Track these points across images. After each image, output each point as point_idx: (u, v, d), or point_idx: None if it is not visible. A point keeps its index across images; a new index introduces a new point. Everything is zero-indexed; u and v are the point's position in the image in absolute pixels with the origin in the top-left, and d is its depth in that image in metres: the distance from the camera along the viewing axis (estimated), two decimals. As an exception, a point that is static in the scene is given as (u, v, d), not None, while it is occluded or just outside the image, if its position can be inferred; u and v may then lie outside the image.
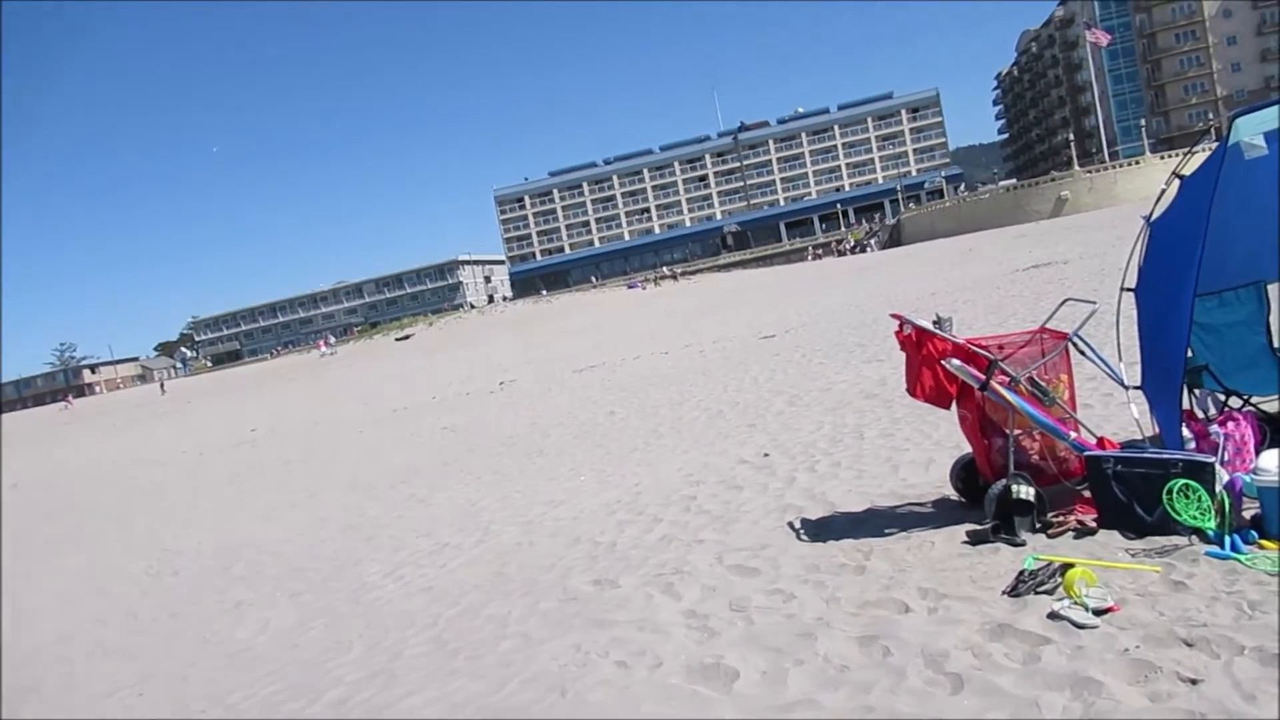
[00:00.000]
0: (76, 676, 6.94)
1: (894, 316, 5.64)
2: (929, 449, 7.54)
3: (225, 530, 11.28)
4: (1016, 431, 5.24)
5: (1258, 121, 4.81)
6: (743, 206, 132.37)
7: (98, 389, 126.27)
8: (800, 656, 4.07)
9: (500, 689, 4.48)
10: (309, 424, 24.08)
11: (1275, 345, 6.19)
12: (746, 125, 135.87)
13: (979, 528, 5.07)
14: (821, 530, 5.91)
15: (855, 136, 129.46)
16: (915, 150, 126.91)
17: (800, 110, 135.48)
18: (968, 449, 5.73)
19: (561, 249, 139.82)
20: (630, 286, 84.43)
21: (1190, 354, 5.44)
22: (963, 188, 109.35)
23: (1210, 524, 4.41)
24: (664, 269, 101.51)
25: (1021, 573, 4.39)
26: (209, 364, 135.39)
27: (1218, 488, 4.49)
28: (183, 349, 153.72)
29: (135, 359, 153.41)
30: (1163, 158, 72.16)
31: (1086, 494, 5.13)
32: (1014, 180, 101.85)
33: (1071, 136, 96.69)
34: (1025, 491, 4.98)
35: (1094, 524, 4.88)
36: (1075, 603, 3.93)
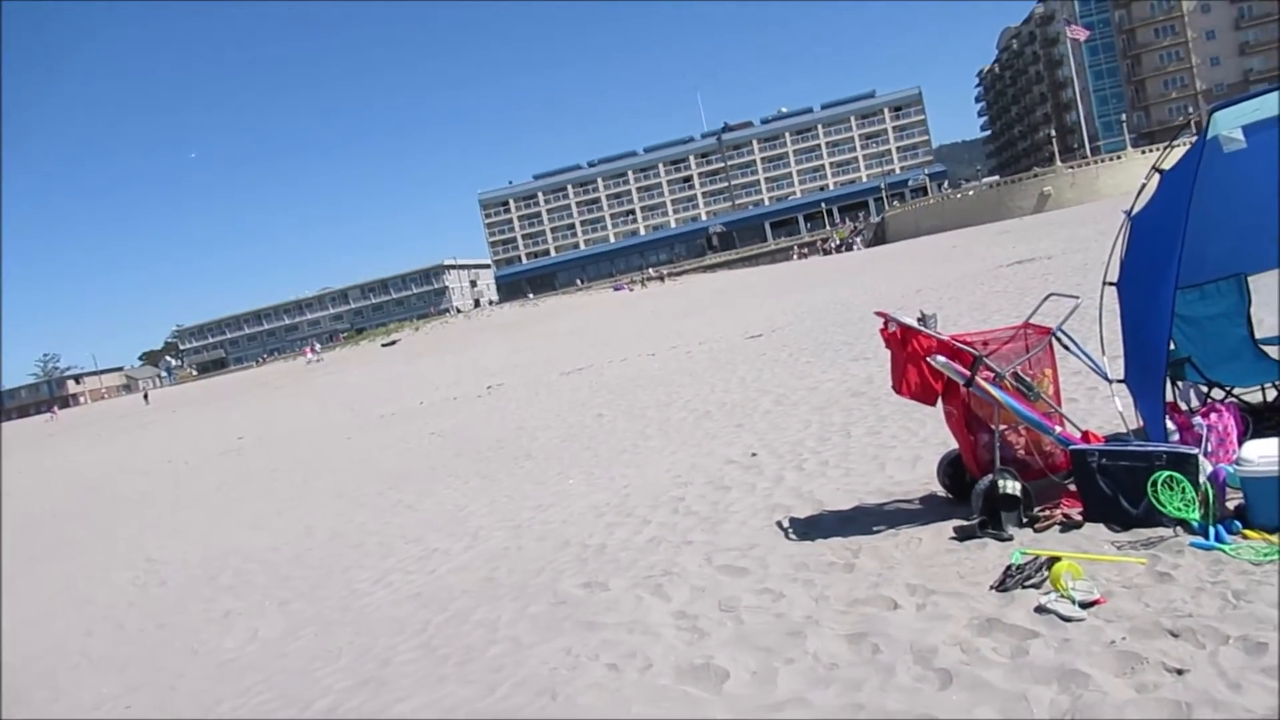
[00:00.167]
0: (63, 689, 6.89)
1: (879, 314, 5.65)
2: (916, 446, 7.56)
3: (212, 539, 11.22)
4: (1002, 427, 5.26)
5: (1236, 115, 4.85)
6: (727, 207, 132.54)
7: (82, 399, 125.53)
8: (790, 655, 4.08)
9: (490, 693, 4.47)
10: (296, 431, 23.99)
11: (1256, 337, 6.24)
12: (730, 125, 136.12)
13: (966, 523, 5.09)
14: (810, 529, 5.92)
15: (839, 135, 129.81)
16: (899, 148, 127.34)
17: (784, 110, 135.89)
18: (954, 445, 5.75)
19: (547, 252, 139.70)
20: (616, 288, 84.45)
21: (1172, 347, 5.48)
22: (946, 185, 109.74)
23: (1195, 515, 4.44)
24: (650, 270, 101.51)
25: (1009, 567, 4.40)
26: (194, 372, 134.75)
27: (1201, 479, 4.53)
28: (167, 358, 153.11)
29: (120, 369, 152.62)
30: (1144, 152, 72.62)
31: (1072, 488, 5.15)
32: (997, 177, 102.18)
33: (1053, 132, 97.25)
34: (1011, 486, 5.00)
35: (1080, 517, 4.91)
36: (1062, 596, 3.95)
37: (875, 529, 5.55)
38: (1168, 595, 3.87)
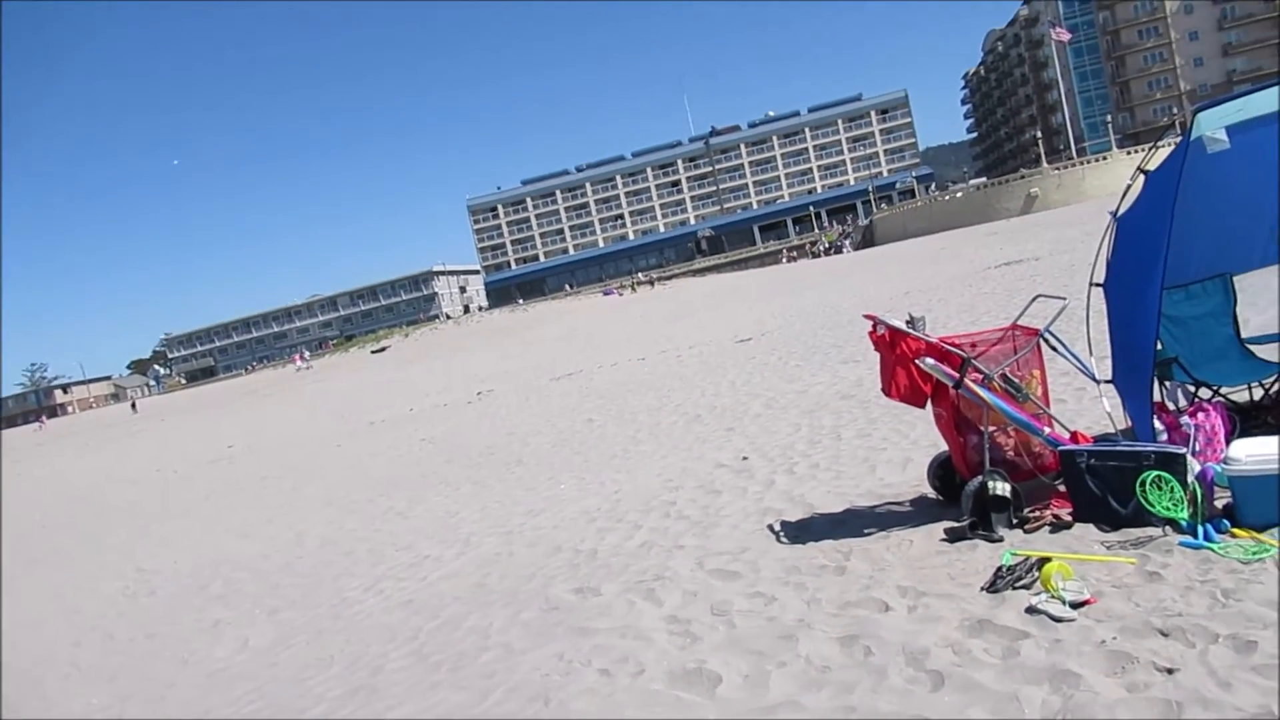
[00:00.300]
0: (52, 699, 6.85)
1: (867, 317, 5.66)
2: (906, 448, 7.58)
3: (202, 548, 11.16)
4: (991, 428, 5.28)
5: (1220, 116, 4.89)
6: (716, 211, 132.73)
7: (70, 409, 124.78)
8: (782, 659, 4.08)
9: (483, 700, 4.45)
10: (285, 439, 23.91)
11: (1242, 336, 6.27)
12: (718, 129, 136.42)
13: (957, 525, 5.10)
14: (801, 532, 5.92)
15: (826, 139, 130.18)
16: (886, 151, 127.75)
17: (771, 113, 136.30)
18: (944, 447, 5.76)
19: (536, 257, 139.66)
20: (606, 293, 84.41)
21: (1159, 347, 5.50)
22: (933, 187, 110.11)
23: (1183, 514, 4.46)
24: (639, 275, 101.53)
25: (999, 568, 4.42)
26: (183, 381, 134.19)
27: (1190, 478, 4.55)
28: (156, 367, 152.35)
29: (108, 378, 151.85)
30: (1129, 153, 72.99)
31: (1062, 488, 5.17)
32: (984, 179, 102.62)
33: (1039, 134, 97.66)
34: (1001, 487, 5.01)
35: (1069, 518, 4.92)
36: (1052, 596, 3.96)
37: (866, 531, 5.56)
38: (1157, 595, 3.89)
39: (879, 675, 3.73)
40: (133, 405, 77.20)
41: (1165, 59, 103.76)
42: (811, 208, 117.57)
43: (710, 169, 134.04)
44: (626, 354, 24.67)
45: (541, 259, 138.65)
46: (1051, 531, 4.87)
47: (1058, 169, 75.57)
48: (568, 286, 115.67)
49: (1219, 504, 4.58)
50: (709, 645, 4.42)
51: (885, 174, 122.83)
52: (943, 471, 5.78)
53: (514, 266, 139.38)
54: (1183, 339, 6.05)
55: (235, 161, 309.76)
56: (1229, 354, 6.17)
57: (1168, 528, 4.49)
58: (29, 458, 43.07)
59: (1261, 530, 4.22)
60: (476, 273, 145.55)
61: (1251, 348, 6.21)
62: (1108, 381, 5.72)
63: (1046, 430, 5.32)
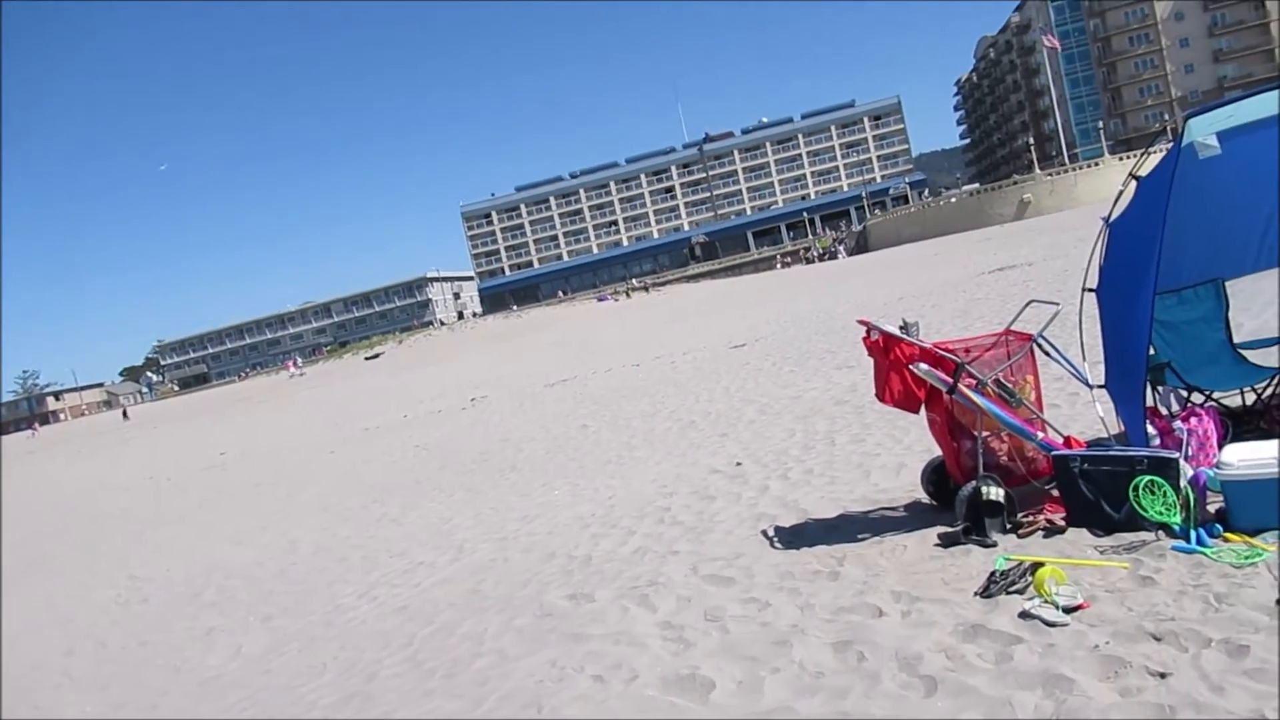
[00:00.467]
0: (44, 708, 6.82)
1: (861, 322, 5.67)
2: (900, 453, 7.59)
3: (195, 555, 11.12)
4: (985, 433, 5.28)
5: (1210, 121, 4.91)
6: (710, 217, 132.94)
7: (62, 416, 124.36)
8: (776, 664, 4.08)
9: (477, 707, 4.44)
10: (279, 446, 23.85)
11: (1234, 341, 6.30)
12: (711, 136, 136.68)
13: (950, 530, 5.11)
14: (795, 537, 5.92)
15: (819, 145, 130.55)
16: (879, 157, 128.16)
17: (764, 120, 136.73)
18: (938, 452, 5.77)
19: (530, 264, 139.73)
20: (600, 299, 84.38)
21: (1152, 351, 5.51)
22: (927, 193, 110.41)
23: (1176, 519, 4.47)
24: (633, 281, 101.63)
25: (993, 573, 4.42)
26: (175, 388, 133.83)
27: (1182, 483, 4.56)
28: (148, 373, 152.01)
29: (100, 385, 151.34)
30: (1121, 159, 73.27)
31: (1055, 493, 5.17)
32: (977, 184, 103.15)
33: (1031, 140, 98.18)
34: (995, 492, 5.02)
35: (1063, 522, 4.92)
36: (1046, 601, 3.97)
37: (860, 537, 5.56)
38: (1150, 599, 3.89)
39: (872, 681, 3.73)
40: (124, 413, 76.91)
41: (1156, 65, 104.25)
42: (805, 214, 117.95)
43: (704, 175, 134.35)
44: (621, 360, 24.66)
45: (536, 265, 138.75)
46: (1045, 536, 4.87)
47: (1050, 175, 75.86)
48: (561, 293, 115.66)
49: (1212, 508, 4.59)
50: (702, 651, 4.42)
51: (879, 180, 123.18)
52: (936, 477, 5.78)
53: (508, 273, 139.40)
54: (1175, 344, 6.07)
55: (229, 168, 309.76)
56: (1221, 359, 6.19)
57: (1161, 532, 4.50)
58: (21, 465, 42.90)
59: (1254, 534, 4.23)
60: (471, 279, 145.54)
61: (1244, 352, 6.23)
62: (1100, 386, 5.73)
63: (1040, 435, 5.33)
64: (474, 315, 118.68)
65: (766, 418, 11.00)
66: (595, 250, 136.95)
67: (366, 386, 42.19)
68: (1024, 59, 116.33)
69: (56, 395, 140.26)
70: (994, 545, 4.87)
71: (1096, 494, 4.78)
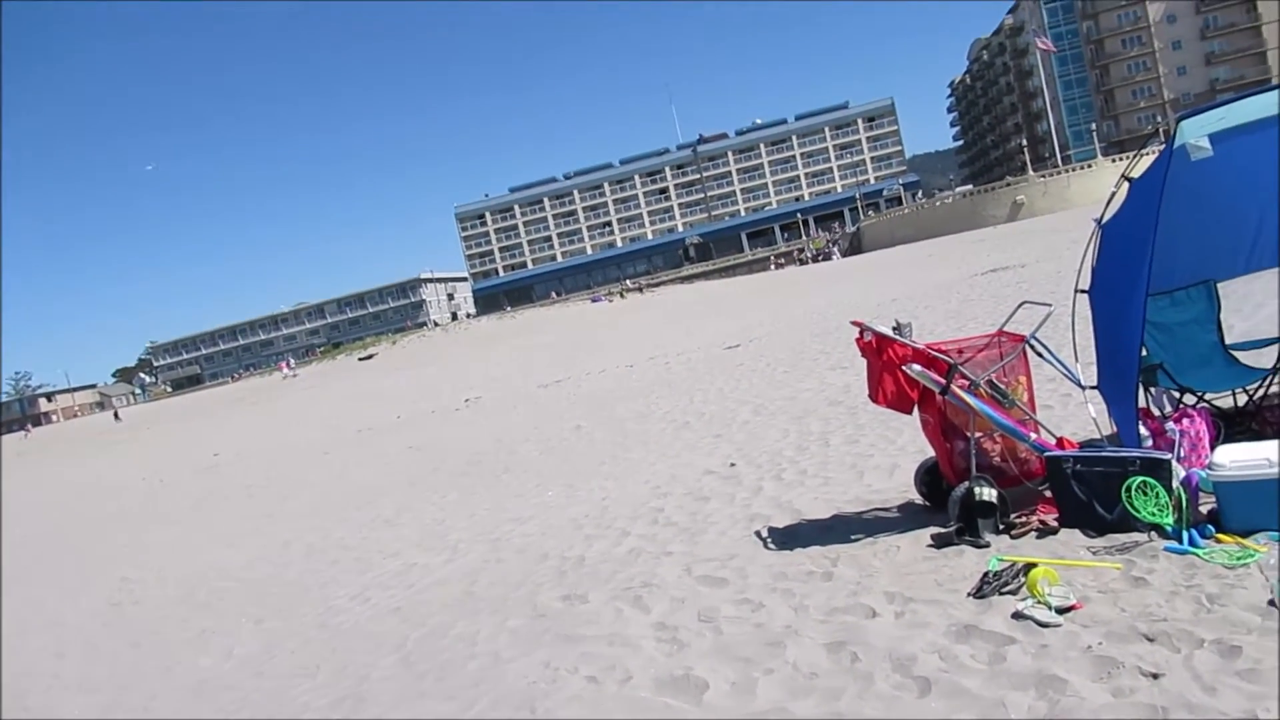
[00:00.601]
0: (35, 711, 6.79)
1: (854, 323, 5.68)
2: (893, 454, 7.60)
3: (188, 557, 11.09)
4: (978, 434, 5.29)
5: (1202, 124, 4.92)
6: (704, 218, 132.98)
7: (55, 417, 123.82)
8: (769, 665, 4.08)
9: (470, 708, 4.44)
10: (272, 448, 23.80)
11: (1226, 342, 6.31)
12: (705, 137, 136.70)
13: (943, 531, 5.11)
14: (789, 538, 5.92)
15: (813, 146, 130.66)
16: (873, 159, 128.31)
17: (758, 121, 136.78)
18: (931, 453, 5.78)
19: (524, 264, 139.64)
20: (594, 300, 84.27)
21: (1144, 353, 5.53)
22: (920, 195, 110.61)
23: (1168, 520, 4.48)
24: (628, 282, 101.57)
25: (986, 574, 4.43)
26: (168, 389, 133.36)
27: (1175, 484, 4.57)
28: (141, 375, 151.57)
29: (93, 386, 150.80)
30: (1114, 160, 73.46)
31: (1048, 494, 5.18)
32: (970, 186, 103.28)
33: (1025, 142, 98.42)
34: (988, 493, 5.03)
35: (1055, 523, 4.93)
36: (1039, 602, 3.97)
37: (853, 537, 5.56)
38: (1143, 600, 3.90)
39: (866, 681, 3.73)
40: (115, 415, 76.46)
41: (1149, 68, 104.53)
42: (799, 215, 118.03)
43: (698, 176, 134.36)
44: (615, 361, 24.66)
45: (529, 266, 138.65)
46: (1038, 537, 4.88)
47: (1043, 176, 76.02)
48: (555, 294, 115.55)
49: (1204, 509, 4.60)
50: (696, 652, 4.42)
51: (872, 181, 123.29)
52: (929, 477, 5.79)
53: (502, 274, 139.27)
54: (1167, 345, 6.09)
55: (221, 168, 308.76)
56: (1213, 360, 6.21)
57: (1153, 533, 4.50)
58: (13, 466, 42.74)
59: (1246, 535, 4.24)
60: (464, 280, 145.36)
61: (1235, 354, 6.25)
62: (1093, 387, 5.74)
63: (1032, 436, 5.34)
64: (468, 316, 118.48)
65: (760, 419, 11.00)
66: (589, 251, 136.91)
67: (360, 388, 42.10)
68: (1017, 61, 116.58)
69: (49, 397, 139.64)
70: (987, 546, 4.88)
71: (1089, 495, 4.79)
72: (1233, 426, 5.73)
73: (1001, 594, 4.21)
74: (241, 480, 18.05)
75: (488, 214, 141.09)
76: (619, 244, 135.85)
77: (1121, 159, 72.50)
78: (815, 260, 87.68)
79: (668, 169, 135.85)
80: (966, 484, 5.06)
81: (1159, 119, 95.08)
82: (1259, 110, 4.91)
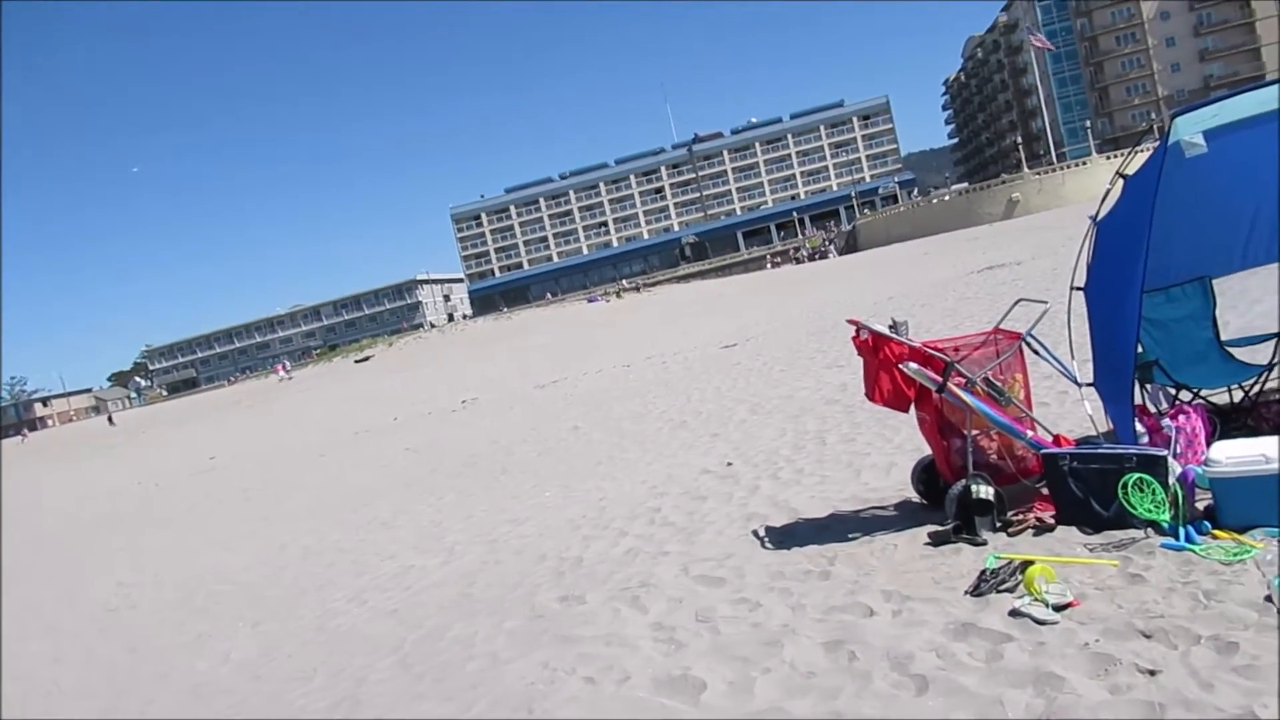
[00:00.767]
0: (32, 715, 6.77)
1: (851, 322, 5.67)
2: (890, 452, 7.60)
3: (184, 561, 11.08)
4: (974, 432, 5.29)
5: (1197, 120, 4.92)
6: (700, 217, 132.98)
7: (50, 422, 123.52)
8: (767, 665, 4.07)
9: (468, 710, 4.43)
10: (268, 450, 23.77)
11: (1221, 339, 6.32)
12: (701, 136, 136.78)
13: (940, 529, 5.11)
14: (786, 537, 5.92)
15: (808, 145, 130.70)
16: (868, 157, 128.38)
17: (753, 120, 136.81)
18: (928, 451, 5.78)
19: (520, 265, 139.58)
20: (590, 300, 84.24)
21: (1140, 349, 5.53)
22: (916, 193, 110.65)
23: (1165, 516, 4.48)
24: (624, 282, 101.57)
25: (983, 572, 4.43)
26: (164, 393, 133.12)
27: (1171, 480, 4.57)
28: (136, 378, 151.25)
29: (88, 390, 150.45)
30: (1108, 158, 73.59)
31: (1044, 491, 5.18)
32: (966, 184, 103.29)
33: (1019, 139, 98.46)
34: (984, 491, 5.03)
35: (1052, 521, 4.93)
36: (1036, 599, 3.97)
37: (851, 536, 5.56)
38: (1140, 596, 3.90)
39: (864, 680, 3.73)
40: (109, 419, 76.07)
41: (1143, 65, 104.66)
42: (795, 213, 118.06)
43: (694, 175, 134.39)
44: (611, 361, 24.65)
45: (525, 267, 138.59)
46: (1034, 534, 4.88)
47: (1038, 174, 76.12)
48: (551, 294, 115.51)
49: (1200, 506, 4.60)
50: (694, 652, 4.41)
51: (868, 179, 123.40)
52: (926, 475, 5.79)
53: (498, 275, 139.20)
54: (1163, 342, 6.09)
55: (217, 170, 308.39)
56: (1209, 356, 6.22)
57: (1149, 530, 4.51)
58: (9, 471, 42.66)
59: (1242, 531, 4.25)
60: (460, 281, 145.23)
61: (1231, 350, 6.25)
62: (1089, 384, 5.75)
63: (1029, 433, 5.34)
64: (464, 317, 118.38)
65: (757, 417, 11.00)
66: (585, 251, 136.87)
67: (356, 389, 42.06)
68: (1011, 58, 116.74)
69: (44, 401, 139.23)
70: (984, 544, 4.88)
71: (1086, 492, 4.79)
72: (1228, 422, 5.73)
73: (999, 592, 4.21)
74: (237, 483, 18.02)
75: (483, 215, 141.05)
76: (615, 244, 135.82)
77: (1116, 156, 72.55)
78: (811, 259, 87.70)
79: (663, 168, 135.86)
80: (963, 482, 5.06)
81: (1153, 116, 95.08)
82: (1253, 106, 4.91)
